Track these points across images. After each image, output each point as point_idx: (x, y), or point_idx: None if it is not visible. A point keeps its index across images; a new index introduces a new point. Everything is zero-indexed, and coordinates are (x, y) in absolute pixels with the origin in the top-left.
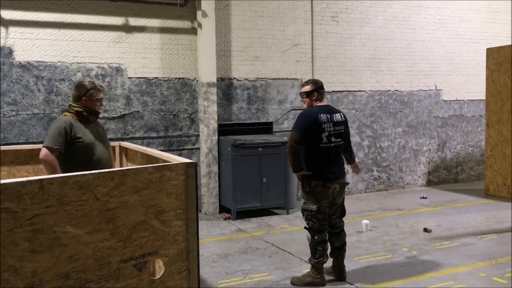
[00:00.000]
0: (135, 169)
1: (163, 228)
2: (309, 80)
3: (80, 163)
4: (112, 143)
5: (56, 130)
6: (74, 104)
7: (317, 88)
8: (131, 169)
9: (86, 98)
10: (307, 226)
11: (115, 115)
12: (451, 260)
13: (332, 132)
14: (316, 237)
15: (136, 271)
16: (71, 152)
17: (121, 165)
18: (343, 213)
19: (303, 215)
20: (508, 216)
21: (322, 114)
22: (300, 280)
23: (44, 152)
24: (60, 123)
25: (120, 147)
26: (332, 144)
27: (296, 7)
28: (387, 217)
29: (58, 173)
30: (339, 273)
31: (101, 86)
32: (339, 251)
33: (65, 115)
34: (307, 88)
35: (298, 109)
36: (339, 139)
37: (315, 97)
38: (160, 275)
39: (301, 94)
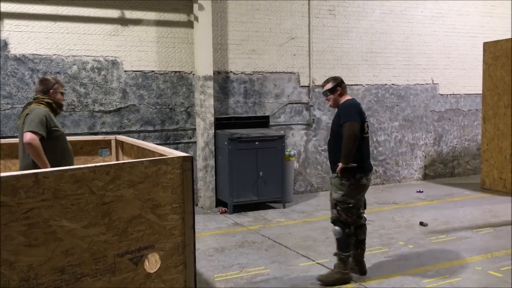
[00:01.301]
0: (131, 163)
1: (159, 222)
2: (328, 78)
3: (56, 152)
4: (108, 137)
5: (38, 118)
6: (42, 97)
7: (339, 82)
8: (127, 163)
9: (53, 91)
10: (336, 219)
11: (111, 109)
12: (447, 253)
13: (366, 123)
14: (347, 230)
15: (132, 265)
16: (50, 141)
17: (117, 159)
18: (365, 204)
19: (335, 207)
20: (504, 210)
21: (360, 105)
22: (329, 277)
23: (30, 136)
24: (39, 111)
25: (116, 140)
26: (367, 135)
27: (293, 0)
28: (384, 211)
29: (43, 157)
30: (362, 267)
31: (61, 81)
32: (362, 244)
33: (38, 105)
34: (329, 85)
35: (295, 103)
36: (368, 129)
37: (339, 92)
38: (156, 269)
39: (325, 92)
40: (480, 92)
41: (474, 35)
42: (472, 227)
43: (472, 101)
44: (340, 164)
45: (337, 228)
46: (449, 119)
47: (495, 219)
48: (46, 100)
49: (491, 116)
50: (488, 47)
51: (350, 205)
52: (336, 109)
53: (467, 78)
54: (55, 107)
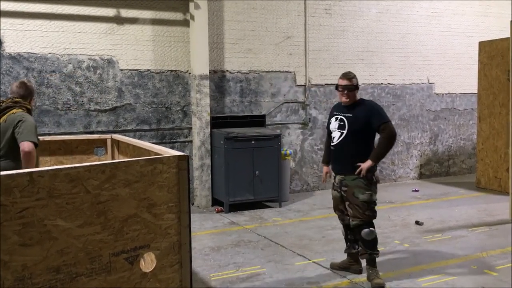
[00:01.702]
0: (126, 162)
1: (155, 221)
2: (349, 73)
3: (37, 158)
4: (104, 136)
5: (33, 126)
6: (24, 102)
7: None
8: (123, 161)
9: (32, 98)
10: (368, 221)
11: (106, 108)
12: (443, 252)
13: None
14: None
15: (128, 264)
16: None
17: (113, 158)
18: None
19: (367, 209)
20: (499, 209)
21: None
22: (379, 277)
23: (31, 146)
24: (31, 119)
25: (112, 139)
26: None
27: None
28: (379, 210)
29: (34, 167)
30: (360, 265)
31: None
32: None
33: (24, 111)
34: (355, 81)
35: (291, 102)
36: None
37: (356, 92)
38: (152, 268)
39: (349, 87)
40: (476, 91)
41: (469, 34)
42: (468, 226)
43: (468, 100)
44: (368, 163)
45: (371, 229)
46: (445, 118)
47: (491, 218)
48: (28, 106)
49: (486, 115)
50: (484, 46)
51: (376, 203)
52: (346, 106)
53: (462, 78)
54: (31, 114)
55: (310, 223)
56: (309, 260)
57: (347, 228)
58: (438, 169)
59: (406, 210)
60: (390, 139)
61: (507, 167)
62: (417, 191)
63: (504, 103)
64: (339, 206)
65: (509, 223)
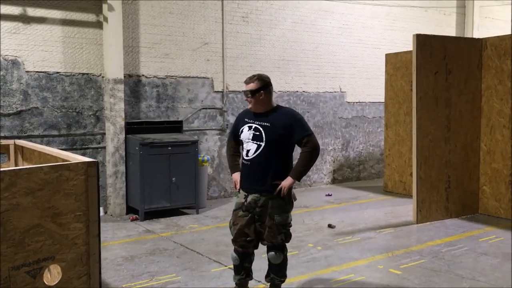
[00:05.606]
0: (28, 169)
1: (60, 231)
2: (253, 76)
3: None
4: (6, 141)
5: None
6: None
7: (266, 84)
8: (24, 169)
9: None
10: (282, 244)
11: (10, 111)
12: (352, 254)
13: None
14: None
15: (30, 278)
16: None
17: (16, 165)
18: None
19: (280, 233)
20: (403, 211)
21: None
22: None
23: None
24: None
25: (15, 145)
26: None
27: (206, 5)
28: (295, 214)
29: None
30: None
31: None
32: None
33: None
34: (260, 83)
35: (209, 108)
36: None
37: (262, 97)
38: (57, 281)
39: (245, 92)
40: (383, 100)
41: (377, 46)
42: (375, 228)
43: (376, 109)
44: (289, 181)
45: (277, 252)
46: (356, 125)
47: (396, 219)
48: None
49: (392, 123)
50: (390, 58)
51: (291, 223)
52: (260, 113)
53: (371, 87)
54: None
55: (227, 229)
56: (225, 266)
57: (244, 256)
58: (349, 174)
59: (319, 214)
60: (313, 154)
61: (411, 171)
62: (330, 195)
63: (408, 112)
64: (245, 230)
65: (412, 224)
